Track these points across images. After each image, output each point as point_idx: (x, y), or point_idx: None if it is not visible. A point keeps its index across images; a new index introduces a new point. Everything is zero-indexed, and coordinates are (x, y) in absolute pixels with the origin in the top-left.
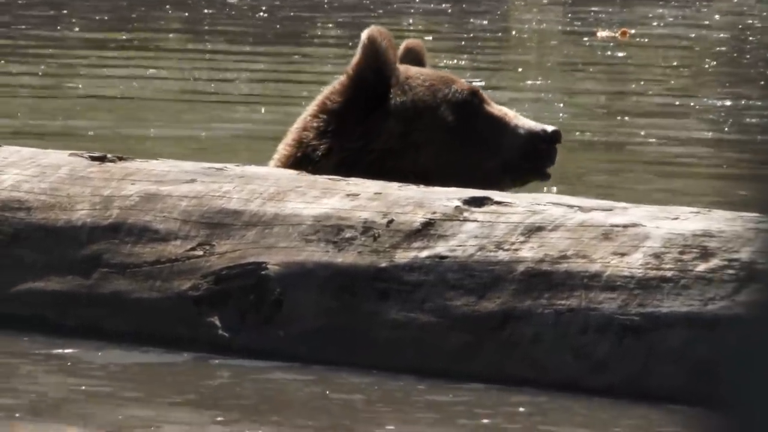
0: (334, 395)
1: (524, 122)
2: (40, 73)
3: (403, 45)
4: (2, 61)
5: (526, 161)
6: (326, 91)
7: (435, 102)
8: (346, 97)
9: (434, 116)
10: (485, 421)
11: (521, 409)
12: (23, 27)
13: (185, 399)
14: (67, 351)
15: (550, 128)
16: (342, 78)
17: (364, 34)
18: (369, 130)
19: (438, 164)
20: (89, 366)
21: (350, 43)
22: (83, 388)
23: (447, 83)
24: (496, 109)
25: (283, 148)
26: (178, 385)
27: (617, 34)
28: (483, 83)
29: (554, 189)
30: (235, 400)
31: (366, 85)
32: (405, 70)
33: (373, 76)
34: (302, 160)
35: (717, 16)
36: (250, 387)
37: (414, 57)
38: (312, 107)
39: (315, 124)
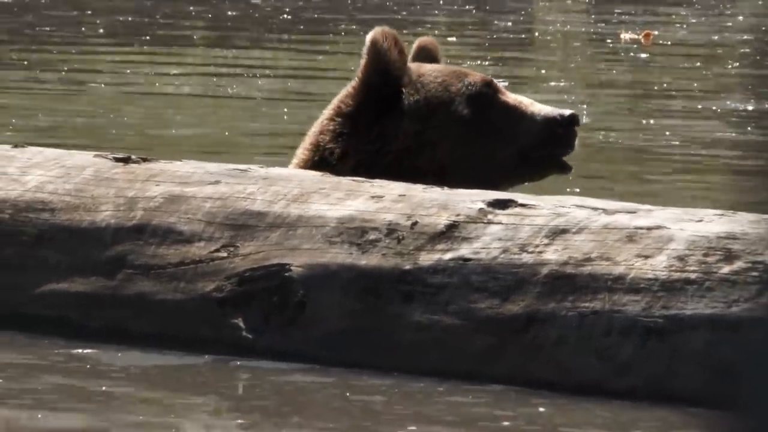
0: (354, 397)
1: (540, 108)
2: (63, 73)
3: (415, 43)
4: (25, 62)
5: (543, 147)
6: (341, 94)
7: (448, 97)
8: (359, 100)
9: (448, 111)
10: (505, 423)
11: (541, 410)
12: (47, 27)
13: (205, 401)
14: (87, 352)
15: (567, 112)
16: (354, 81)
17: (368, 37)
18: (384, 132)
19: (454, 159)
20: (109, 367)
21: None
22: (103, 389)
23: (459, 77)
24: (512, 98)
25: (301, 152)
26: (198, 387)
27: (641, 37)
28: (506, 84)
29: (577, 190)
30: (255, 401)
31: (375, 88)
32: (417, 68)
33: (380, 78)
34: (319, 163)
35: (740, 18)
36: (270, 389)
37: (427, 55)
38: (328, 110)
39: (331, 128)
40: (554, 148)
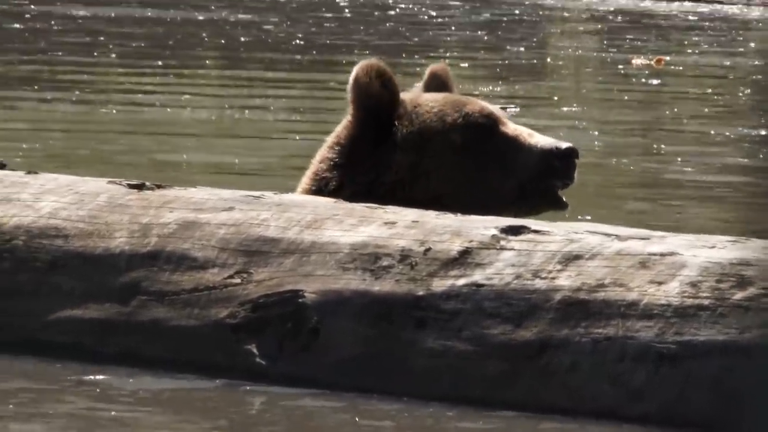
0: (363, 422)
1: (538, 140)
2: (74, 99)
3: (427, 70)
4: (36, 87)
5: (540, 179)
6: (342, 123)
7: (443, 127)
8: (352, 132)
9: (443, 142)
10: None
11: None
12: (59, 53)
13: (215, 425)
14: (99, 377)
15: (564, 145)
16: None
17: (351, 74)
18: (378, 163)
19: (449, 190)
20: (119, 392)
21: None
22: (113, 413)
23: (457, 107)
24: (511, 129)
25: (303, 180)
26: (208, 412)
27: (653, 62)
28: (518, 110)
29: (588, 217)
30: (264, 426)
31: (364, 122)
32: (414, 98)
33: (368, 112)
34: (317, 193)
35: (752, 44)
36: (280, 413)
37: (439, 82)
38: (329, 139)
39: (329, 156)
40: (551, 180)
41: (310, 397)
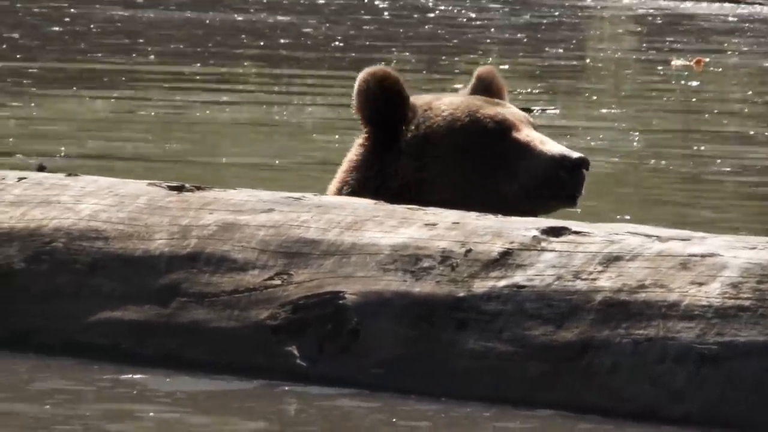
0: (400, 422)
1: (549, 148)
2: (113, 101)
3: (475, 73)
4: (75, 88)
5: (545, 188)
6: None
7: (449, 132)
8: (363, 138)
9: (447, 146)
10: None
11: None
12: (99, 55)
13: (251, 426)
14: (136, 378)
15: (574, 155)
16: None
17: (356, 82)
18: (384, 169)
19: (455, 192)
20: (156, 393)
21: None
22: (151, 414)
23: (470, 112)
24: (524, 135)
25: (332, 183)
26: (245, 412)
27: (692, 63)
28: (558, 112)
29: (627, 217)
30: (301, 427)
31: (371, 128)
32: (429, 102)
33: (370, 120)
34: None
35: None
36: (317, 414)
37: (486, 84)
38: (355, 144)
39: (350, 159)
40: (556, 190)
41: (347, 398)
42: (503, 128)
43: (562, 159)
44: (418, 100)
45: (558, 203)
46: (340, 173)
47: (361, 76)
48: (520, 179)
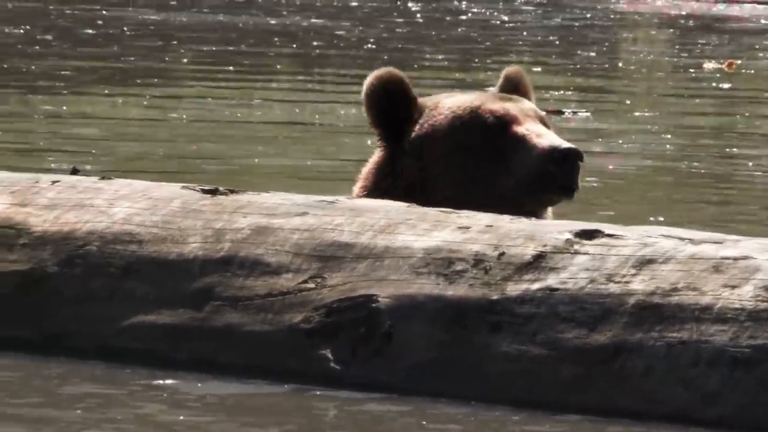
0: (430, 425)
1: (540, 141)
2: (146, 104)
3: (502, 73)
4: (108, 91)
5: (537, 182)
6: None
7: (449, 130)
8: (378, 139)
9: (449, 143)
10: None
11: None
12: (132, 57)
13: (281, 430)
14: (167, 382)
15: (563, 146)
16: None
17: (363, 86)
18: (393, 170)
19: (457, 190)
20: (187, 397)
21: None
22: (181, 418)
23: (472, 108)
24: (523, 129)
25: (355, 186)
26: (275, 416)
27: (724, 66)
28: (589, 114)
29: (661, 219)
30: (331, 431)
31: (378, 130)
32: (437, 101)
33: (377, 122)
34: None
35: None
36: (347, 418)
37: (512, 85)
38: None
39: (372, 160)
40: (546, 185)
41: (376, 402)
42: (503, 122)
43: (552, 151)
44: (428, 100)
45: (551, 196)
46: (361, 175)
47: (368, 78)
48: (515, 174)
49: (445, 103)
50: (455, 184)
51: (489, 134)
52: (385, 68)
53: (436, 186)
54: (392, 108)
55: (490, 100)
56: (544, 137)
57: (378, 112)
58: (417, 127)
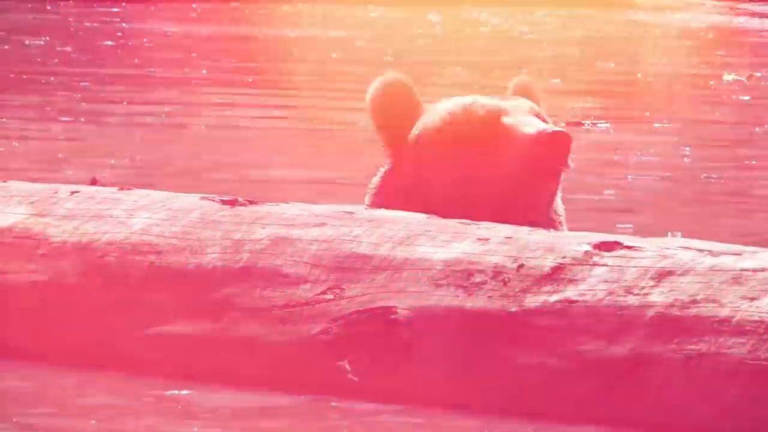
0: None
1: (527, 128)
2: (163, 114)
3: (511, 84)
4: (126, 102)
5: (526, 168)
6: None
7: (440, 129)
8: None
9: (443, 141)
10: None
11: None
12: (151, 69)
13: None
14: (182, 393)
15: (549, 129)
16: None
17: (368, 91)
18: (394, 172)
19: (455, 186)
20: (200, 408)
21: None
22: (195, 429)
23: (465, 105)
24: (510, 120)
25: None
26: (287, 428)
27: (744, 78)
28: (609, 125)
29: (679, 234)
30: None
31: (381, 135)
32: (437, 103)
33: (380, 127)
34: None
35: None
36: (359, 429)
37: (521, 94)
38: None
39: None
40: (535, 168)
41: (389, 414)
42: (493, 115)
43: (538, 136)
44: (431, 105)
45: (541, 181)
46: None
47: (373, 84)
48: (505, 163)
49: (442, 103)
50: (452, 181)
51: (480, 128)
52: (388, 74)
53: (431, 186)
54: (394, 113)
55: (485, 99)
56: (530, 125)
57: (381, 117)
58: (415, 129)
